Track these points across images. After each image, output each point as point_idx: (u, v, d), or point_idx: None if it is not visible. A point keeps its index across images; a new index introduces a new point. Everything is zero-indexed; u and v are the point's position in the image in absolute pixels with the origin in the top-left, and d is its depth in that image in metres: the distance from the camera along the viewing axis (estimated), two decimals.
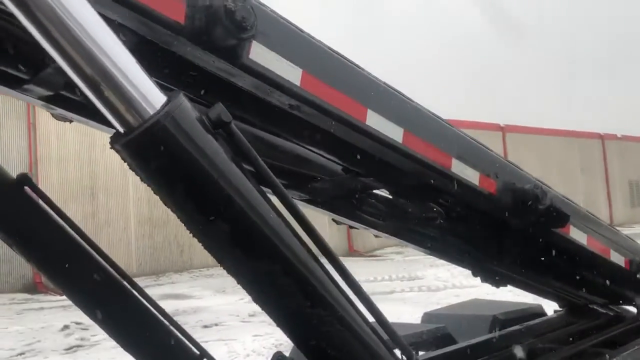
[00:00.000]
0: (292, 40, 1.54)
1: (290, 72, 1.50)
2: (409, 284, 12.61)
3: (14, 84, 1.40)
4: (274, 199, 1.15)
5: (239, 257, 1.11)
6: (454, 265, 2.83)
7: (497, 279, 2.56)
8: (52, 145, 14.59)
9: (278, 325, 1.24)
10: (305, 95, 1.55)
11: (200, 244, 1.12)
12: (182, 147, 0.98)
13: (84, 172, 15.12)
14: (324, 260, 1.23)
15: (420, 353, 2.77)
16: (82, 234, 1.59)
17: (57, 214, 1.57)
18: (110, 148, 1.01)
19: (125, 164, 1.03)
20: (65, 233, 1.57)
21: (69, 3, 0.89)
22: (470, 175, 2.01)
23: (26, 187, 1.55)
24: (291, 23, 1.57)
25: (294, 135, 1.71)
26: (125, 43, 1.08)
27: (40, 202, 1.56)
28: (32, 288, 12.92)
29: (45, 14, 0.87)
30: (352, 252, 18.66)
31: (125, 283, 1.62)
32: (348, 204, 2.11)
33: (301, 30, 1.59)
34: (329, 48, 1.67)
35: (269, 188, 1.12)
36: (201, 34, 1.32)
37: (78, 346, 8.08)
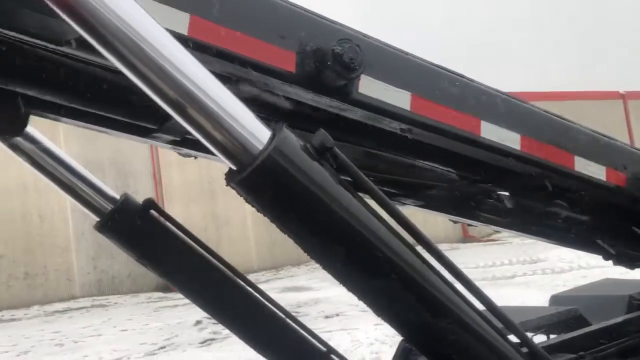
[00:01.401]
0: (398, 66, 1.56)
1: (400, 98, 1.53)
2: (531, 267, 12.10)
3: (144, 133, 1.53)
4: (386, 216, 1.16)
5: (358, 277, 1.15)
6: None
7: (633, 261, 2.43)
8: (173, 152, 15.54)
9: (403, 336, 1.27)
10: (416, 118, 1.57)
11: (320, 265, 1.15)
12: (293, 178, 1.02)
13: (202, 175, 15.98)
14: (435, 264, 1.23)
15: (552, 336, 2.69)
16: (207, 248, 1.71)
17: (182, 232, 1.69)
18: (226, 185, 1.05)
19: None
20: (192, 249, 1.69)
21: (175, 58, 0.93)
22: (596, 171, 1.93)
23: (152, 211, 1.68)
24: (394, 48, 1.58)
25: (406, 155, 1.74)
26: (235, 92, 1.17)
27: (167, 222, 1.69)
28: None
29: (151, 69, 0.92)
30: (467, 238, 18.20)
31: (249, 288, 1.73)
32: (465, 205, 2.09)
33: (405, 53, 1.60)
34: (434, 65, 1.66)
35: (379, 205, 1.15)
36: (311, 79, 1.39)
37: (212, 339, 8.61)
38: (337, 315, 9.36)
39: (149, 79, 0.92)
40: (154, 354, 8.31)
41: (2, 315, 13.82)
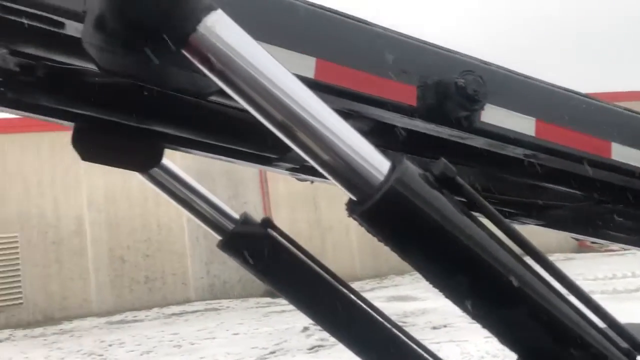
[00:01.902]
0: (521, 92, 1.52)
1: (524, 124, 1.49)
2: None
3: (267, 162, 1.62)
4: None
5: (486, 306, 1.13)
6: None
7: None
8: None
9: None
10: (542, 143, 1.52)
11: (444, 295, 1.14)
12: (416, 209, 1.02)
13: (306, 184, 16.28)
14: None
15: None
16: (321, 265, 1.75)
17: (297, 249, 1.75)
18: (348, 217, 1.06)
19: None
20: (306, 265, 1.74)
21: (299, 97, 0.98)
22: None
23: (269, 229, 1.75)
24: (517, 73, 1.55)
25: (528, 178, 1.68)
26: (356, 125, 1.19)
27: (283, 240, 1.75)
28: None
29: (277, 109, 0.97)
30: (582, 248, 17.15)
31: (359, 301, 1.76)
32: (590, 224, 1.99)
33: (528, 77, 1.56)
34: (558, 87, 1.61)
35: (503, 232, 1.11)
36: (433, 111, 1.39)
37: (319, 346, 8.75)
38: (445, 326, 9.17)
39: (275, 119, 0.98)
40: (265, 358, 8.57)
41: (126, 317, 14.88)
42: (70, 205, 15.53)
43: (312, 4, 1.35)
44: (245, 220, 1.76)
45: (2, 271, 14.89)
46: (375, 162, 1.02)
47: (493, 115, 1.44)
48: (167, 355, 9.75)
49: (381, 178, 1.01)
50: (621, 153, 1.62)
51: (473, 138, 1.46)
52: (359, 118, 1.39)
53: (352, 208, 1.04)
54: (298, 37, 1.30)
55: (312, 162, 1.03)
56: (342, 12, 1.39)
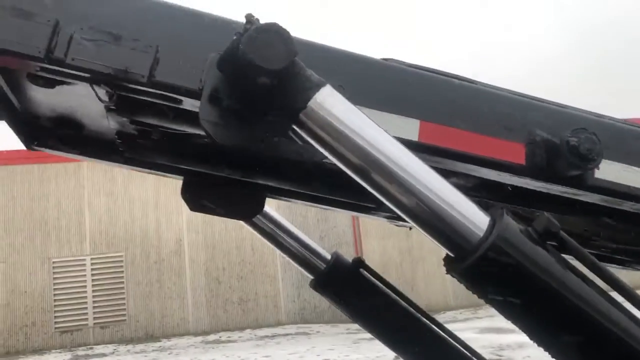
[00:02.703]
0: (637, 143, 1.45)
1: None
2: None
3: (365, 211, 1.66)
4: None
5: None
6: None
7: None
8: None
9: None
10: None
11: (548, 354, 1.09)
12: (519, 266, 0.99)
13: None
14: None
15: None
16: (412, 303, 1.72)
17: (389, 288, 1.74)
18: (446, 273, 1.05)
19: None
20: (398, 305, 1.72)
21: (397, 157, 1.01)
22: None
23: (361, 269, 1.75)
24: (631, 124, 1.47)
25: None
26: (462, 183, 1.15)
27: (375, 280, 1.75)
28: None
29: (377, 173, 1.00)
30: None
31: (450, 339, 1.72)
32: None
33: None
34: None
35: (613, 288, 1.06)
36: (542, 170, 1.34)
37: None
38: None
39: (377, 183, 1.02)
40: None
41: (220, 337, 15.28)
42: (171, 227, 16.32)
43: (413, 65, 1.36)
44: (337, 260, 1.78)
45: (109, 289, 15.82)
46: (475, 218, 1.00)
47: (609, 170, 1.38)
48: None
49: (480, 234, 0.99)
50: None
51: (587, 194, 1.40)
52: (465, 176, 1.38)
53: (451, 265, 1.03)
54: (402, 101, 1.31)
55: (410, 221, 1.03)
56: (444, 72, 1.39)
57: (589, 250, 1.69)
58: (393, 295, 1.74)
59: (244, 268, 16.58)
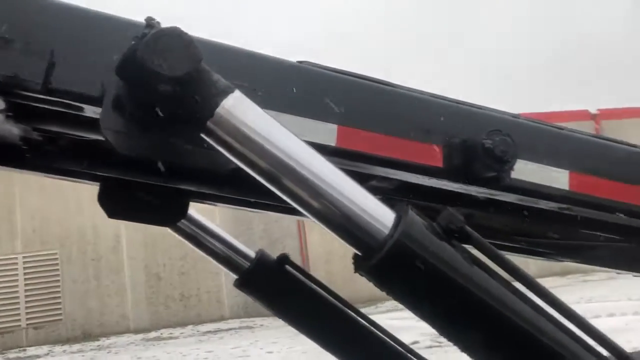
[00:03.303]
0: (552, 144, 1.47)
1: (557, 178, 1.44)
2: None
3: (290, 212, 1.55)
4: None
5: (500, 358, 1.09)
6: None
7: None
8: None
9: None
10: (577, 197, 1.47)
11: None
12: (424, 262, 0.99)
13: None
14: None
15: None
16: (342, 300, 1.73)
17: (317, 285, 1.73)
18: (354, 272, 1.04)
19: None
20: (327, 302, 1.72)
21: (311, 166, 0.98)
22: None
23: (287, 265, 1.74)
24: (547, 124, 1.50)
25: (562, 225, 1.63)
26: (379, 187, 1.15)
27: (302, 276, 1.74)
28: None
29: (287, 178, 0.98)
30: None
31: (383, 336, 1.74)
32: (626, 260, 1.90)
33: (559, 128, 1.52)
34: (592, 135, 1.56)
35: (518, 281, 1.08)
36: (459, 172, 1.35)
37: None
38: None
39: (286, 188, 1.00)
40: None
41: (162, 333, 15.01)
42: (108, 223, 15.86)
43: (329, 68, 1.33)
44: (261, 257, 1.75)
45: (44, 288, 15.24)
46: (380, 216, 0.99)
47: (524, 170, 1.39)
48: None
49: (386, 232, 0.98)
50: None
51: (503, 195, 1.42)
52: (386, 179, 1.37)
53: (359, 264, 1.02)
54: (318, 105, 1.28)
55: (317, 222, 1.02)
56: (362, 75, 1.36)
57: (508, 244, 1.75)
58: (319, 290, 1.73)
59: (185, 264, 16.32)
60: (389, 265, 0.98)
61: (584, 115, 20.35)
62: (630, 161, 1.57)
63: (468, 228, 1.04)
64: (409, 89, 1.40)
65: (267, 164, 0.98)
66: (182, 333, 14.85)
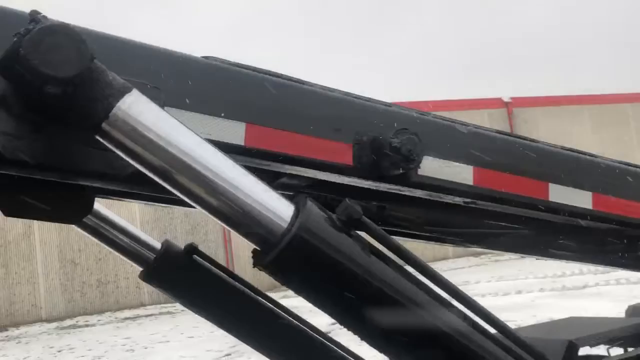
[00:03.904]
0: (457, 140, 1.51)
1: (462, 173, 1.48)
2: (604, 277, 11.58)
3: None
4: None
5: (402, 346, 1.12)
6: None
7: None
8: None
9: None
10: (480, 191, 1.52)
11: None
12: (322, 254, 0.99)
13: None
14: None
15: (630, 349, 2.57)
16: (251, 287, 1.71)
17: (226, 273, 1.71)
18: (253, 267, 1.03)
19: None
20: (237, 289, 1.71)
21: (209, 163, 0.96)
22: None
23: (195, 256, 1.71)
24: (453, 121, 1.53)
25: (468, 217, 1.67)
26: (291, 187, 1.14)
27: (210, 266, 1.71)
28: None
29: (186, 178, 0.95)
30: None
31: (295, 321, 1.76)
32: (534, 246, 2.00)
33: (465, 124, 1.55)
34: (495, 131, 1.61)
35: (415, 269, 1.12)
36: (369, 170, 1.37)
37: None
38: None
39: (185, 188, 0.97)
40: None
41: (77, 321, 14.47)
42: None
43: (237, 64, 1.29)
44: (167, 248, 1.70)
45: None
46: (278, 210, 0.99)
47: (431, 167, 1.43)
48: None
49: (284, 226, 0.98)
50: (559, 193, 1.62)
51: (412, 190, 1.45)
52: (297, 177, 1.36)
53: (257, 258, 1.01)
54: (226, 103, 1.23)
55: (216, 220, 1.00)
56: (272, 72, 1.33)
57: (421, 233, 1.79)
58: (228, 279, 1.71)
59: (102, 249, 15.63)
60: (287, 259, 0.98)
61: (497, 103, 21.27)
62: (530, 156, 1.63)
63: (365, 219, 1.04)
64: (319, 87, 1.38)
65: (164, 166, 0.95)
66: (99, 320, 14.39)
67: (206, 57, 1.28)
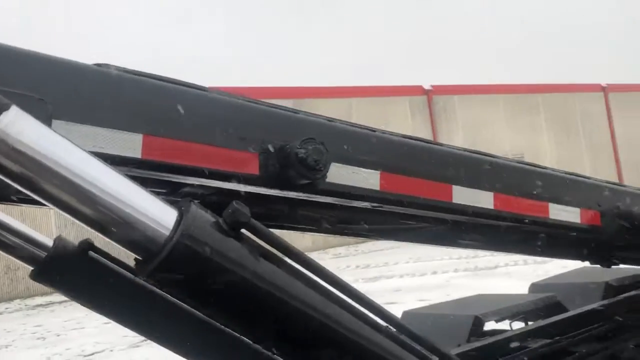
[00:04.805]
0: (364, 146, 1.51)
1: (369, 179, 1.49)
2: (514, 258, 12.24)
3: None
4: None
5: (293, 348, 1.11)
6: None
7: (607, 261, 2.41)
8: None
9: None
10: (387, 196, 1.53)
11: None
12: (207, 261, 0.96)
13: None
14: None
15: (530, 323, 2.72)
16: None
17: (124, 268, 1.66)
18: (136, 277, 1.00)
19: None
20: (133, 282, 1.66)
21: (88, 176, 0.91)
22: (571, 215, 1.92)
23: (90, 252, 1.63)
24: (360, 126, 1.54)
25: (376, 219, 1.69)
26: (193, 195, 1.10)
27: (107, 262, 1.65)
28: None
29: (66, 194, 0.90)
30: None
31: (194, 310, 1.73)
32: (443, 238, 2.04)
33: (372, 130, 1.55)
34: (401, 136, 1.62)
35: (310, 271, 1.10)
36: (276, 179, 1.34)
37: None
38: None
39: (63, 203, 0.92)
40: (138, 346, 8.28)
41: None
42: None
43: (133, 72, 1.22)
44: (59, 246, 1.62)
45: None
46: (160, 216, 0.95)
47: (338, 174, 1.42)
48: (30, 349, 9.10)
49: (167, 233, 0.94)
50: (462, 195, 1.67)
51: (319, 197, 1.44)
52: (200, 187, 1.30)
53: (139, 268, 0.97)
54: (121, 114, 1.17)
55: (97, 232, 0.96)
56: (171, 79, 1.26)
57: (334, 230, 1.76)
58: (128, 275, 1.65)
59: None
60: (170, 267, 0.94)
61: (418, 90, 21.81)
62: (435, 159, 1.67)
63: (254, 221, 1.02)
64: (224, 94, 1.33)
65: (45, 187, 0.89)
66: (7, 308, 13.68)
67: (99, 65, 1.20)
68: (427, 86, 22.01)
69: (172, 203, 0.99)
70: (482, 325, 2.63)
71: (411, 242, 2.09)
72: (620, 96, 25.58)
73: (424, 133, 21.23)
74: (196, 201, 1.01)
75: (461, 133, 21.85)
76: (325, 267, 1.11)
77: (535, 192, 1.85)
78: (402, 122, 20.81)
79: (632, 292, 2.89)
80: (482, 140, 22.29)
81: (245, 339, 1.64)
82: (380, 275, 12.45)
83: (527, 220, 1.83)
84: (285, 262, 1.07)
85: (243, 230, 1.03)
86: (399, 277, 12.00)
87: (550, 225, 1.88)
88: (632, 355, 2.12)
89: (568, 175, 2.02)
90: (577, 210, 1.94)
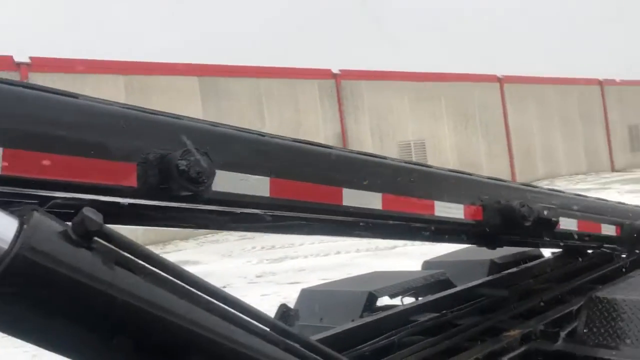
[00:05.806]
0: (253, 152, 1.45)
1: (258, 186, 1.43)
2: None
3: None
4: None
5: (155, 357, 1.05)
6: None
7: (493, 244, 2.56)
8: None
9: None
10: (277, 202, 1.48)
11: None
12: (52, 272, 0.90)
13: None
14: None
15: (420, 298, 2.86)
16: None
17: None
18: None
19: None
20: None
21: None
22: (455, 211, 2.00)
23: None
24: (248, 131, 1.48)
25: (268, 228, 1.67)
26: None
27: None
28: None
29: None
30: None
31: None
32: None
33: (261, 135, 1.50)
34: (291, 140, 1.59)
35: (172, 276, 1.06)
36: (156, 191, 1.24)
37: None
38: (225, 286, 9.36)
39: None
40: None
41: None
42: None
43: None
44: None
45: None
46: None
47: (225, 181, 1.35)
48: None
49: (5, 247, 0.87)
50: (351, 197, 1.66)
51: (206, 207, 1.37)
52: (72, 199, 1.17)
53: None
54: None
55: None
56: (37, 85, 1.14)
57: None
58: None
59: None
60: (9, 283, 0.87)
61: (327, 74, 21.99)
62: (324, 163, 1.65)
63: (107, 228, 0.97)
64: (93, 99, 1.22)
65: None
66: None
67: None
68: (335, 70, 22.24)
69: (14, 212, 0.91)
70: (376, 300, 2.74)
71: (306, 235, 2.10)
72: (513, 87, 27.21)
73: (332, 116, 21.51)
74: (41, 208, 0.93)
75: (367, 118, 22.32)
76: (187, 269, 1.07)
77: (422, 192, 1.91)
78: (311, 105, 20.94)
79: (513, 269, 3.13)
80: (387, 126, 22.94)
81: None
82: (285, 256, 12.56)
83: (414, 218, 1.90)
84: (145, 268, 1.02)
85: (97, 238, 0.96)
86: (303, 258, 12.17)
87: (437, 221, 1.96)
88: (510, 326, 2.29)
89: (452, 173, 2.11)
90: (460, 206, 2.02)
